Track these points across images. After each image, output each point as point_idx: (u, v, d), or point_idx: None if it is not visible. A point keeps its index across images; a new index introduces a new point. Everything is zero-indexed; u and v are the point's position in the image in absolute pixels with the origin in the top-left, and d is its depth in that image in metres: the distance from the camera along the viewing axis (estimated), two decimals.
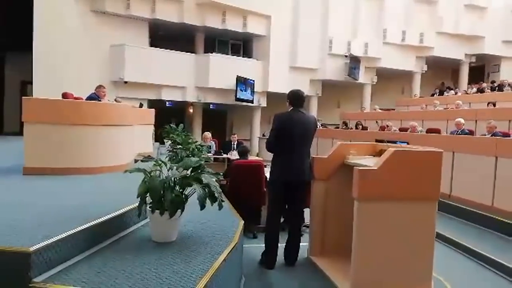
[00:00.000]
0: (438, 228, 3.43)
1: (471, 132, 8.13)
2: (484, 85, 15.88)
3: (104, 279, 2.14)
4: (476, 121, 9.76)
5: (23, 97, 5.14)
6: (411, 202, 3.21)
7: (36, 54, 11.84)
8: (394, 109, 16.25)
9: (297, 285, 3.63)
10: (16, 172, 4.75)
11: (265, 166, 5.23)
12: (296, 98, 4.04)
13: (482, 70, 19.72)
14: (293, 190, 3.97)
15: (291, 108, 4.02)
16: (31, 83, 12.00)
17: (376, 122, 12.28)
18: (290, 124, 3.91)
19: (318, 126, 14.32)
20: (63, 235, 2.35)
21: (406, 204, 3.20)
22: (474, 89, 15.87)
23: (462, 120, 8.11)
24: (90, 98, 6.37)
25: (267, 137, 4.19)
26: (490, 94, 13.94)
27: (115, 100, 10.06)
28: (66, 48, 12.26)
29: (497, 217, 5.40)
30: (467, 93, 15.72)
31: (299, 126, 3.92)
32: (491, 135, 7.00)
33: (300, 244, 4.16)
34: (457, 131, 7.99)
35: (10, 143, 8.84)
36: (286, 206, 4.14)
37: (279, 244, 4.06)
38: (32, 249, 2.09)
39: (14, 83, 14.34)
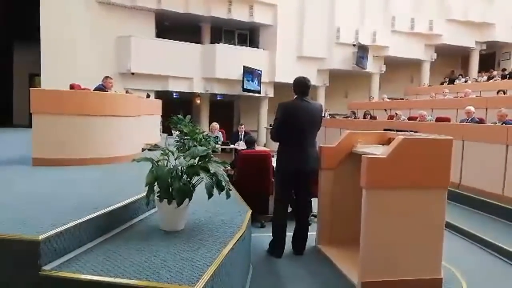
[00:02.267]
0: (447, 217, 3.39)
1: (481, 121, 8.00)
2: (495, 73, 15.61)
3: (113, 267, 2.15)
4: (486, 109, 9.61)
5: (31, 88, 5.16)
6: (420, 190, 3.17)
7: (44, 47, 11.90)
8: (402, 98, 16.07)
9: (306, 273, 3.63)
10: (25, 163, 4.79)
11: (273, 156, 5.21)
12: (301, 86, 3.96)
13: (492, 57, 19.36)
14: (299, 179, 3.95)
15: (296, 96, 3.97)
16: (39, 75, 12.08)
17: (385, 110, 12.13)
18: (295, 113, 3.87)
19: (326, 116, 14.28)
20: (72, 224, 2.37)
21: (415, 192, 3.16)
22: (485, 77, 15.62)
23: (472, 108, 7.98)
24: (97, 89, 6.40)
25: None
26: (500, 82, 13.69)
27: (126, 92, 10.08)
28: (73, 40, 12.28)
29: (507, 206, 5.33)
30: (477, 81, 15.47)
31: (304, 114, 3.87)
32: (502, 123, 6.88)
33: (308, 233, 4.15)
34: (467, 120, 7.88)
35: (19, 134, 8.92)
36: (294, 196, 4.12)
37: (287, 233, 4.06)
38: (41, 237, 2.11)
39: (22, 76, 14.46)
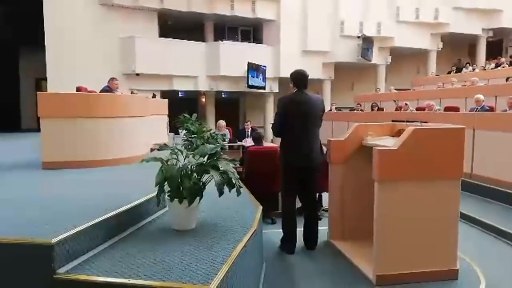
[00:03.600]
0: (460, 207, 3.33)
1: (491, 109, 7.89)
2: (503, 60, 15.38)
3: (126, 268, 2.14)
4: (496, 97, 9.47)
5: (38, 92, 5.19)
6: (434, 181, 3.12)
7: (49, 51, 11.96)
8: (409, 89, 15.91)
9: (319, 268, 3.61)
10: (35, 166, 4.82)
11: None
12: (299, 79, 3.90)
13: (500, 44, 19.10)
14: (304, 172, 3.89)
15: (295, 90, 3.91)
16: (46, 79, 12.15)
17: (394, 101, 11.91)
18: (294, 107, 3.81)
19: (332, 109, 14.18)
20: (84, 226, 2.37)
21: (428, 183, 3.11)
22: (493, 65, 15.41)
23: (481, 97, 7.87)
24: (103, 90, 6.42)
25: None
26: (509, 69, 13.48)
27: (132, 92, 10.10)
28: (78, 43, 12.34)
29: None
30: (485, 69, 15.27)
31: (304, 108, 3.81)
32: None
33: (320, 228, 4.11)
34: (477, 108, 7.77)
35: (28, 139, 8.98)
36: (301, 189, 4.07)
37: (298, 229, 4.02)
38: (54, 240, 2.10)
39: (29, 81, 14.59)
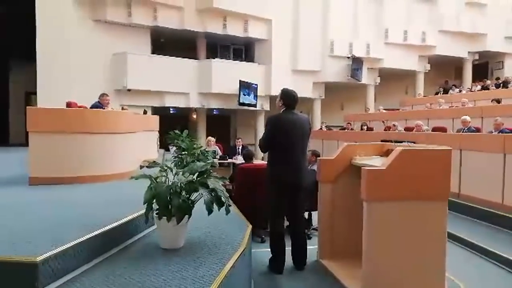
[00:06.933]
0: (448, 228, 3.36)
1: (477, 130, 8.05)
2: (489, 82, 15.78)
3: (113, 287, 2.11)
4: (482, 118, 9.67)
5: (27, 107, 5.15)
6: (421, 201, 3.15)
7: (40, 65, 11.91)
8: (398, 109, 16.17)
9: None
10: (22, 182, 4.74)
11: None
12: (291, 99, 3.92)
13: (485, 67, 19.60)
14: (291, 191, 3.89)
15: (284, 109, 3.93)
16: (35, 93, 12.07)
17: (383, 122, 12.14)
18: (284, 125, 3.85)
19: (323, 128, 14.32)
20: (70, 244, 2.33)
21: (416, 203, 3.14)
22: (479, 87, 15.78)
23: (468, 118, 8.03)
24: (94, 106, 6.39)
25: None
26: (495, 91, 13.82)
27: (122, 108, 10.08)
28: (69, 58, 12.32)
29: (508, 215, 5.32)
30: (471, 91, 15.62)
31: (294, 127, 3.85)
32: (498, 132, 6.92)
33: (309, 247, 4.09)
34: (464, 129, 7.92)
35: (16, 153, 8.86)
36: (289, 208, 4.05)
37: (287, 248, 4.00)
38: (39, 259, 2.07)
39: (18, 95, 14.47)
